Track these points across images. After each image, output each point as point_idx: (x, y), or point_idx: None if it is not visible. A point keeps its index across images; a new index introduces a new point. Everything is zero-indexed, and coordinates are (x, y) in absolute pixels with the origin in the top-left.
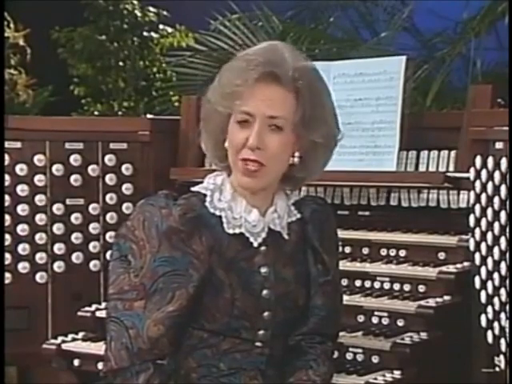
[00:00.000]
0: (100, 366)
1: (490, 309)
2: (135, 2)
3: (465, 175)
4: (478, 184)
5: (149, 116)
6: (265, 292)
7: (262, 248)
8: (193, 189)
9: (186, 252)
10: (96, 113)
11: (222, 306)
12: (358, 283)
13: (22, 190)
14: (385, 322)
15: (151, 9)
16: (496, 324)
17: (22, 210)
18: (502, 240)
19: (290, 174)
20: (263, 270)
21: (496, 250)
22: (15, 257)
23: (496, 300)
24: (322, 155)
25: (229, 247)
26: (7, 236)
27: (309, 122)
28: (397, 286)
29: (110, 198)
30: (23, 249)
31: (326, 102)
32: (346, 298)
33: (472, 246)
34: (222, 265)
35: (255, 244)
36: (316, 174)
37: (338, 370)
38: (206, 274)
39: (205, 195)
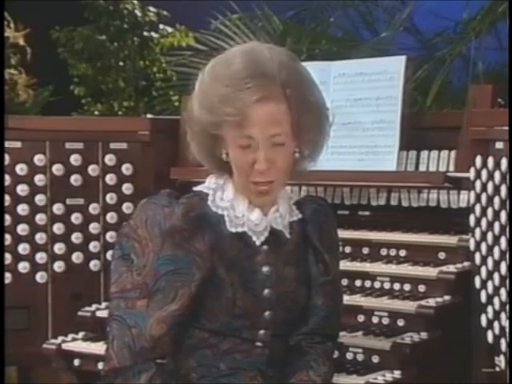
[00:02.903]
0: (100, 365)
1: (490, 309)
2: (135, 2)
3: (465, 175)
4: (478, 184)
5: (149, 116)
6: (266, 291)
7: (264, 247)
8: (195, 188)
9: (189, 251)
10: (96, 113)
11: (224, 305)
12: (358, 283)
13: (22, 189)
14: (385, 321)
15: (151, 9)
16: (496, 324)
17: (22, 209)
18: (503, 240)
19: (293, 168)
20: (265, 269)
21: (496, 250)
22: (15, 257)
23: (496, 300)
24: (320, 142)
25: (231, 246)
26: (7, 236)
27: (303, 124)
28: (397, 286)
29: (110, 198)
30: (23, 249)
31: (314, 97)
32: (346, 297)
33: (472, 246)
34: (223, 264)
35: (257, 243)
36: (315, 160)
37: (338, 370)
38: (209, 272)
39: (207, 194)
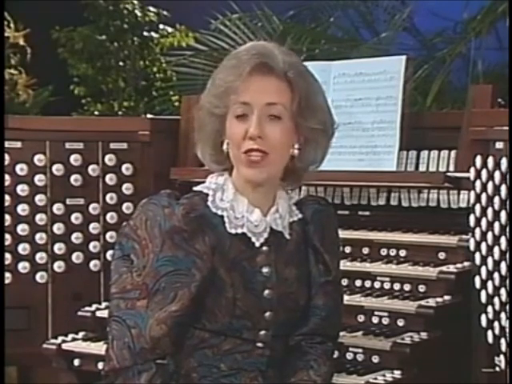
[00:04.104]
0: (100, 365)
1: (490, 309)
2: (135, 2)
3: (465, 175)
4: (478, 184)
5: (149, 116)
6: (266, 292)
7: (264, 248)
8: (195, 188)
9: (189, 252)
10: (96, 113)
11: (224, 305)
12: (358, 283)
13: (22, 189)
14: (385, 321)
15: (151, 9)
16: (496, 324)
17: (22, 209)
18: (503, 240)
19: (291, 166)
20: (265, 269)
21: (496, 250)
22: (15, 257)
23: (496, 300)
24: (321, 143)
25: (231, 247)
26: (7, 236)
27: (305, 109)
28: (397, 286)
29: (110, 198)
30: (23, 249)
31: (318, 90)
32: (346, 297)
33: (472, 246)
34: (224, 264)
35: (257, 244)
36: (316, 164)
37: (338, 370)
38: (209, 273)
39: (207, 195)
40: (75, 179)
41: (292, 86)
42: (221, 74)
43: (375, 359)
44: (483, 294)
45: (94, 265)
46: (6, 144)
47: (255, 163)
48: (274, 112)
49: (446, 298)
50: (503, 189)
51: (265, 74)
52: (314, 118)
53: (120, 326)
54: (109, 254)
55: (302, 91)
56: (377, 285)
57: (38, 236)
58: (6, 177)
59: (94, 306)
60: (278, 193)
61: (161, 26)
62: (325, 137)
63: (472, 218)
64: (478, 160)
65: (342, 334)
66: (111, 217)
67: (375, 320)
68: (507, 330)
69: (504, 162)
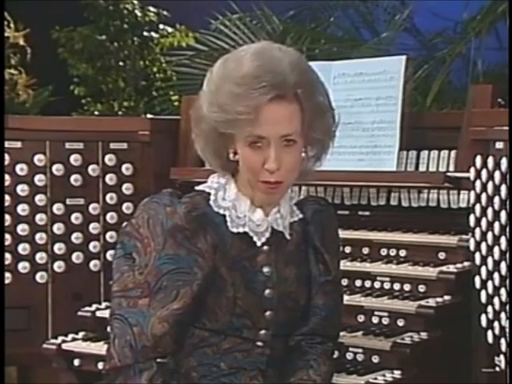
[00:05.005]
0: (100, 365)
1: (490, 309)
2: (135, 2)
3: (465, 175)
4: (478, 184)
5: (149, 116)
6: (267, 291)
7: (265, 247)
8: (197, 188)
9: (191, 250)
10: (96, 113)
11: (225, 304)
12: (358, 283)
13: (22, 189)
14: (385, 321)
15: (151, 9)
16: (496, 324)
17: (22, 209)
18: (503, 240)
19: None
20: (266, 269)
21: (496, 250)
22: (15, 257)
23: (496, 300)
24: (326, 145)
25: (232, 246)
26: (7, 236)
27: (314, 122)
28: (397, 286)
29: (110, 198)
30: (23, 249)
31: (323, 98)
32: (346, 297)
33: (472, 246)
34: (225, 263)
35: (258, 243)
36: (319, 165)
37: (338, 370)
38: (210, 272)
39: (209, 194)
40: (75, 179)
41: (301, 104)
42: (229, 99)
43: (375, 359)
44: (483, 294)
45: (94, 265)
46: (6, 144)
47: (272, 190)
48: (289, 138)
49: (446, 297)
50: (503, 189)
51: (277, 103)
52: (322, 127)
53: (122, 324)
54: (109, 254)
55: (309, 108)
56: (377, 285)
57: (37, 236)
58: (6, 177)
59: (94, 306)
60: None
61: (161, 26)
62: (329, 140)
63: (472, 218)
64: (478, 160)
65: (342, 334)
66: (111, 217)
67: (375, 320)
68: (507, 330)
69: (504, 162)
